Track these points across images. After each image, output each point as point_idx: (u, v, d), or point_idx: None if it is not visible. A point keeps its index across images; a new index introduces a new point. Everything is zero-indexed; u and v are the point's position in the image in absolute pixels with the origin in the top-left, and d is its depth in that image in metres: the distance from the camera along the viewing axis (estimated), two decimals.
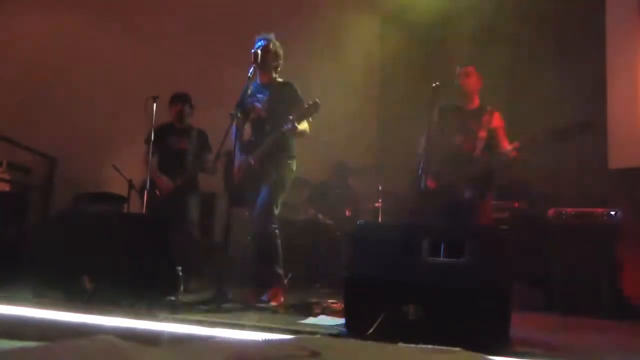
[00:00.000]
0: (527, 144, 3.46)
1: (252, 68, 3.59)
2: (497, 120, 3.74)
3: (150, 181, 4.33)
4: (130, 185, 4.88)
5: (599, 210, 3.93)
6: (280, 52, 3.77)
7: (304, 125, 3.59)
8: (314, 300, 3.46)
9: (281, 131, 3.51)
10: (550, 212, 4.07)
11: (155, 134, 4.37)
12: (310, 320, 2.89)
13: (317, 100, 3.42)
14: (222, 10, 6.02)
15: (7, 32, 5.86)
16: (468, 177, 3.64)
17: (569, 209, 4.02)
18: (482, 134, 3.69)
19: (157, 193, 4.34)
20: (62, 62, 5.81)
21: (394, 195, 4.91)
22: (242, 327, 2.43)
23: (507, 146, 3.61)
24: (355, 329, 2.41)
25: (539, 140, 3.44)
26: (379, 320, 2.31)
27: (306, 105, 3.43)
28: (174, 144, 4.53)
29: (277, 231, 3.57)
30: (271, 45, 3.71)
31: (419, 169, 3.64)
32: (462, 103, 3.82)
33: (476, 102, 3.83)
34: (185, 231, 4.26)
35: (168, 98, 4.57)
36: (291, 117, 3.46)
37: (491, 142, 3.71)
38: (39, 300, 2.72)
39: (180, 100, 4.58)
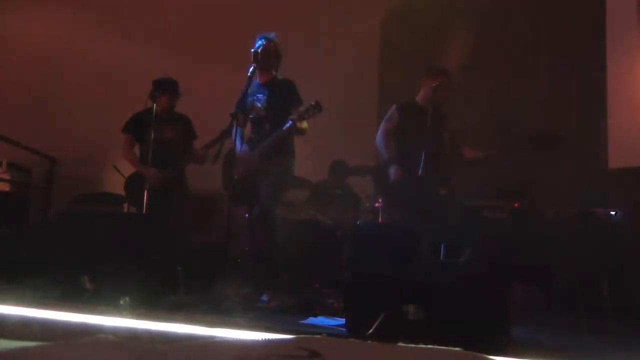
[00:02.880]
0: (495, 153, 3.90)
1: (252, 67, 3.59)
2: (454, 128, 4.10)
3: (137, 175, 4.18)
4: (125, 186, 4.84)
5: (599, 210, 3.93)
6: (281, 51, 3.78)
7: (304, 124, 3.60)
8: (314, 300, 3.47)
9: (282, 131, 3.52)
10: (550, 212, 4.07)
11: (134, 123, 4.24)
12: (310, 320, 2.89)
13: (318, 101, 3.43)
14: (221, 9, 6.02)
15: (7, 32, 5.86)
16: (438, 175, 3.83)
17: (569, 209, 4.02)
18: (446, 135, 4.01)
19: (145, 187, 4.04)
20: (62, 62, 5.81)
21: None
22: (242, 327, 2.43)
23: (466, 150, 4.04)
24: (355, 329, 2.41)
25: (508, 150, 3.69)
26: (379, 320, 2.31)
27: (308, 106, 3.44)
28: (159, 134, 4.16)
29: (276, 231, 3.57)
30: (272, 45, 3.71)
31: (387, 163, 3.94)
32: (426, 105, 3.96)
33: (440, 107, 4.05)
34: (175, 231, 4.07)
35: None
36: (293, 117, 3.46)
37: (457, 148, 4.07)
38: (39, 300, 2.72)
39: (171, 89, 4.27)
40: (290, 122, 3.46)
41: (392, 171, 3.91)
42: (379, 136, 4.08)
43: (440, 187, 3.85)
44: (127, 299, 2.85)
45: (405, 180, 3.79)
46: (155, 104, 4.15)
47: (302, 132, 3.63)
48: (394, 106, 4.11)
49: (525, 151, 3.70)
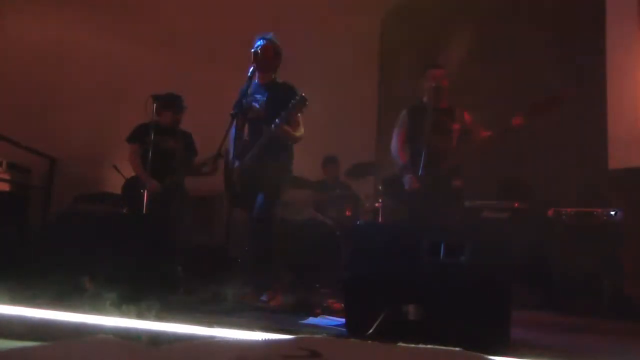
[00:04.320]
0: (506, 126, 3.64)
1: (252, 68, 3.58)
2: (468, 117, 3.99)
3: (138, 181, 4.24)
4: (123, 188, 4.84)
5: (599, 210, 3.93)
6: (280, 51, 3.76)
7: (300, 132, 3.58)
8: (314, 300, 3.46)
9: (266, 137, 3.49)
10: (550, 212, 4.08)
11: (137, 133, 4.30)
12: (310, 320, 2.89)
13: (303, 94, 3.38)
14: (221, 8, 6.02)
15: (7, 32, 5.86)
16: (450, 168, 3.80)
17: (569, 209, 4.02)
18: (456, 126, 3.93)
19: (144, 192, 4.14)
20: (63, 62, 5.82)
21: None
22: (242, 327, 2.43)
23: (486, 133, 3.86)
24: (355, 329, 2.41)
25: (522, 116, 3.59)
26: (379, 320, 2.31)
27: (292, 102, 3.38)
28: (161, 144, 4.28)
29: (276, 231, 3.57)
30: (271, 45, 3.70)
31: (402, 171, 3.89)
32: (435, 103, 3.90)
33: (446, 102, 4.01)
34: (175, 231, 4.08)
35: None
36: (279, 116, 3.42)
37: (470, 135, 3.93)
38: (39, 300, 2.72)
39: (178, 106, 4.38)
40: (276, 122, 3.42)
41: (408, 180, 3.84)
42: (394, 144, 4.06)
43: (450, 183, 3.82)
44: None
45: (419, 191, 3.75)
46: (159, 117, 4.29)
47: (294, 139, 3.59)
48: (404, 111, 4.09)
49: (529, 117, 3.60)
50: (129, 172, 4.56)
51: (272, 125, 3.45)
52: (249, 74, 3.57)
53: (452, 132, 3.91)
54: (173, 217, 4.24)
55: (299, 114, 3.51)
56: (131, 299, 2.80)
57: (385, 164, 5.39)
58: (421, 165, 3.67)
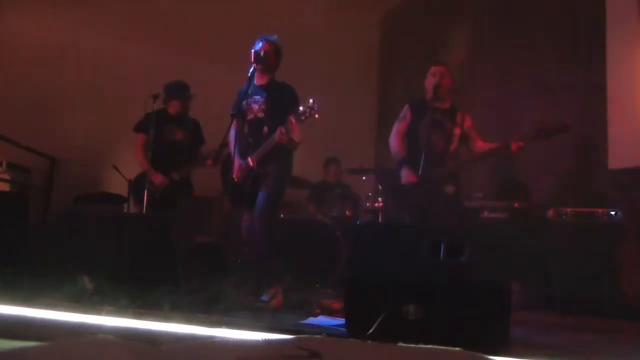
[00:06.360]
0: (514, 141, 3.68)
1: (252, 68, 3.58)
2: (468, 122, 3.97)
3: (144, 175, 4.20)
4: (130, 185, 4.87)
5: (599, 210, 3.93)
6: (280, 52, 3.75)
7: (299, 137, 3.57)
8: (314, 300, 3.46)
9: (270, 141, 3.49)
10: (550, 212, 4.08)
11: (145, 123, 4.26)
12: (310, 320, 2.89)
13: (312, 100, 3.34)
14: (221, 8, 6.02)
15: (7, 32, 5.86)
16: (448, 172, 3.81)
17: (569, 209, 4.02)
18: (457, 131, 3.91)
19: (151, 188, 4.12)
20: (63, 62, 5.82)
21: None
22: (242, 327, 2.43)
23: (481, 144, 3.90)
24: (355, 329, 2.41)
25: (524, 138, 3.66)
26: (379, 320, 2.31)
27: (302, 107, 3.33)
28: (168, 135, 4.31)
29: (275, 232, 3.57)
30: (271, 45, 3.69)
31: (399, 164, 3.89)
32: (436, 102, 3.89)
33: (448, 102, 4.00)
34: (181, 232, 4.12)
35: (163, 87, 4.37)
36: (285, 126, 3.39)
37: (466, 141, 3.96)
38: (39, 300, 2.72)
39: (188, 93, 4.38)
40: (283, 130, 3.40)
41: (404, 173, 3.85)
42: (393, 137, 4.05)
43: (446, 187, 3.82)
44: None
45: (415, 185, 3.75)
46: (168, 107, 4.31)
47: (293, 144, 3.55)
48: (406, 105, 4.08)
49: (534, 140, 3.67)
50: (129, 173, 4.56)
51: (277, 132, 3.42)
52: (249, 75, 3.56)
53: (452, 135, 3.90)
54: (176, 214, 4.22)
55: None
56: (131, 298, 2.80)
57: (385, 164, 5.41)
58: (421, 165, 3.67)
